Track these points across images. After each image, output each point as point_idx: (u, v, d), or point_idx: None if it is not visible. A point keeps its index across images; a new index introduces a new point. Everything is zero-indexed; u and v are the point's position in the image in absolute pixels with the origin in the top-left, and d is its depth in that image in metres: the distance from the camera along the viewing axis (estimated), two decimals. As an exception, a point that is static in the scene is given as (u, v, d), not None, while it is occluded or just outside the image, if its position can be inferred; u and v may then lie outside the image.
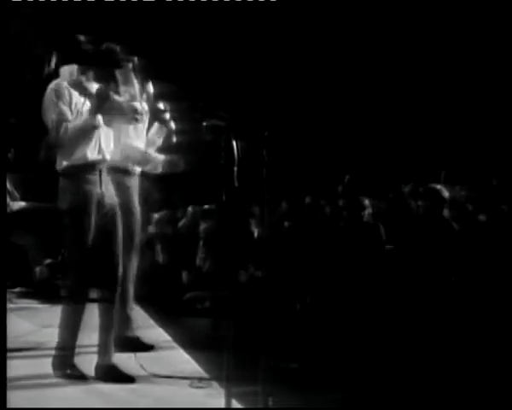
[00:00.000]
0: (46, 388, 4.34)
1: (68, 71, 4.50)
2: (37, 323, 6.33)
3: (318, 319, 6.29)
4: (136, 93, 4.79)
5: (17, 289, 8.06)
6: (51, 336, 5.43)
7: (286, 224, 7.93)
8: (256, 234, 7.62)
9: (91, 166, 4.43)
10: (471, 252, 5.94)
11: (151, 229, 9.01)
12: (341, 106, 12.06)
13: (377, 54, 11.69)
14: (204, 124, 3.86)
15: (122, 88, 4.72)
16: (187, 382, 4.42)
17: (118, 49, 4.73)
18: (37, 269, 8.39)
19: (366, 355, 5.24)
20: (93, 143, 4.43)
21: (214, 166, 3.78)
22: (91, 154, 4.42)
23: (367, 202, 6.87)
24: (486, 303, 5.64)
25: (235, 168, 3.67)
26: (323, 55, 11.89)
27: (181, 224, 8.87)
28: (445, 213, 6.17)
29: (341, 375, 4.79)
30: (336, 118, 12.04)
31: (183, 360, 5.09)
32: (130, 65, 4.84)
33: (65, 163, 4.42)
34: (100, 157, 4.46)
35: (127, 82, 4.74)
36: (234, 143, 3.68)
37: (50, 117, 4.40)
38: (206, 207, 8.58)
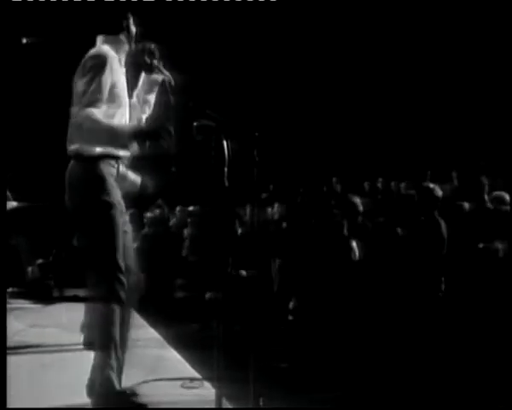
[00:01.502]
0: (37, 388, 4.33)
1: (112, 41, 3.91)
2: (28, 323, 6.34)
3: (310, 320, 6.29)
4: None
5: (9, 290, 8.05)
6: (43, 335, 5.47)
7: (284, 224, 7.93)
8: (241, 234, 7.65)
9: (116, 158, 3.89)
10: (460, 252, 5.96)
11: (145, 229, 9.02)
12: (331, 106, 12.12)
13: (363, 59, 11.77)
14: (194, 124, 3.81)
15: (142, 94, 4.11)
16: (178, 382, 4.42)
17: (156, 53, 4.07)
18: (29, 269, 8.40)
19: (357, 356, 5.25)
20: None
21: (205, 166, 3.77)
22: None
23: (357, 200, 6.88)
24: (478, 303, 5.65)
25: (226, 168, 3.66)
26: (314, 57, 11.95)
27: (171, 223, 8.91)
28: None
29: (332, 375, 4.80)
30: (326, 118, 12.10)
31: (174, 360, 5.09)
32: (161, 78, 4.13)
33: (92, 150, 3.78)
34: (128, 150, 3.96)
35: (150, 93, 4.10)
36: (224, 144, 3.68)
37: (83, 87, 3.73)
38: (191, 207, 8.60)
